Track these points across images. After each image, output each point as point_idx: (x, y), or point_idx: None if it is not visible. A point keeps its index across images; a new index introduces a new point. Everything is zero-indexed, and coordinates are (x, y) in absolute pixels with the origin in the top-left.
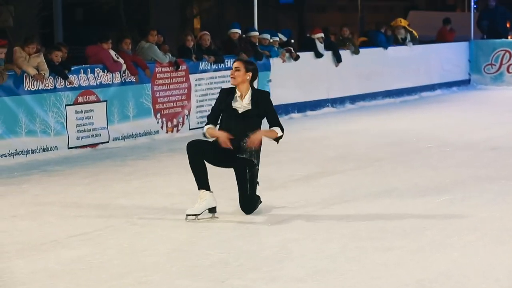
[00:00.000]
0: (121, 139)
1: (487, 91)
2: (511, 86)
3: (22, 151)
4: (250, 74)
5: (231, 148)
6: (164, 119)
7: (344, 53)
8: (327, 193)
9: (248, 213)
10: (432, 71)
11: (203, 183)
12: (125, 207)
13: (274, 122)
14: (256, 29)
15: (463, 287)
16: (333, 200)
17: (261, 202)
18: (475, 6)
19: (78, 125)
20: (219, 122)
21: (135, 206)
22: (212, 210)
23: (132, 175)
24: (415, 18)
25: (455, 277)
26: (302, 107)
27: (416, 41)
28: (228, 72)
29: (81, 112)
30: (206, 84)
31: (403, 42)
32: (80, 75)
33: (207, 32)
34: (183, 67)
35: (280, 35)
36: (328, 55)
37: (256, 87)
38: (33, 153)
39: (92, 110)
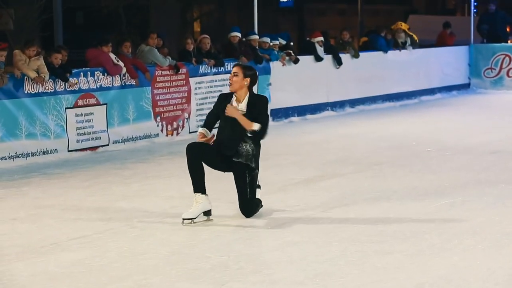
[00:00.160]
0: (121, 142)
1: (487, 95)
2: (511, 90)
3: (22, 154)
4: (248, 79)
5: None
6: (164, 122)
7: (344, 57)
8: (327, 196)
9: (248, 216)
10: (432, 75)
11: (199, 186)
12: (125, 210)
13: (259, 119)
14: (256, 32)
15: None
16: (333, 204)
17: (262, 206)
18: (475, 10)
19: (78, 128)
20: (215, 126)
21: (135, 209)
22: (207, 213)
23: (132, 178)
24: (415, 22)
25: (455, 281)
26: (302, 110)
27: (416, 45)
28: (228, 76)
29: (81, 115)
30: (206, 88)
31: (403, 46)
32: (80, 78)
33: (207, 36)
34: (183, 70)
35: (279, 39)
36: (327, 58)
37: (256, 91)
38: (33, 156)
39: (92, 113)
